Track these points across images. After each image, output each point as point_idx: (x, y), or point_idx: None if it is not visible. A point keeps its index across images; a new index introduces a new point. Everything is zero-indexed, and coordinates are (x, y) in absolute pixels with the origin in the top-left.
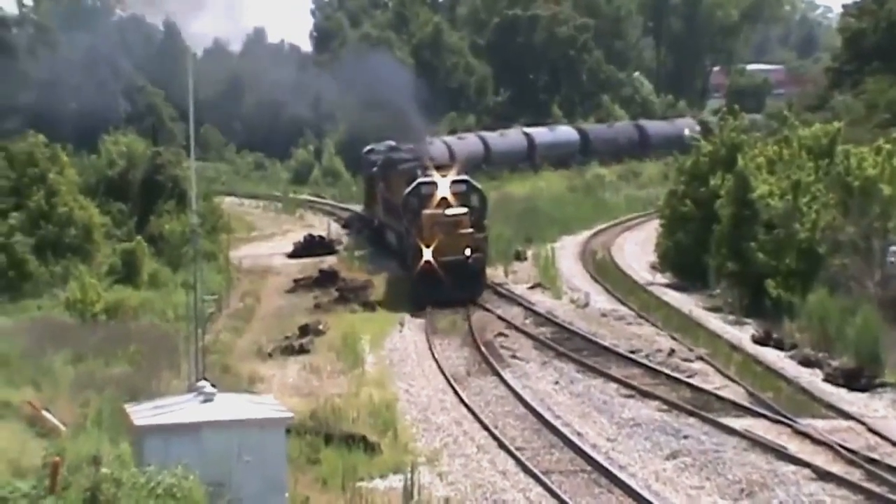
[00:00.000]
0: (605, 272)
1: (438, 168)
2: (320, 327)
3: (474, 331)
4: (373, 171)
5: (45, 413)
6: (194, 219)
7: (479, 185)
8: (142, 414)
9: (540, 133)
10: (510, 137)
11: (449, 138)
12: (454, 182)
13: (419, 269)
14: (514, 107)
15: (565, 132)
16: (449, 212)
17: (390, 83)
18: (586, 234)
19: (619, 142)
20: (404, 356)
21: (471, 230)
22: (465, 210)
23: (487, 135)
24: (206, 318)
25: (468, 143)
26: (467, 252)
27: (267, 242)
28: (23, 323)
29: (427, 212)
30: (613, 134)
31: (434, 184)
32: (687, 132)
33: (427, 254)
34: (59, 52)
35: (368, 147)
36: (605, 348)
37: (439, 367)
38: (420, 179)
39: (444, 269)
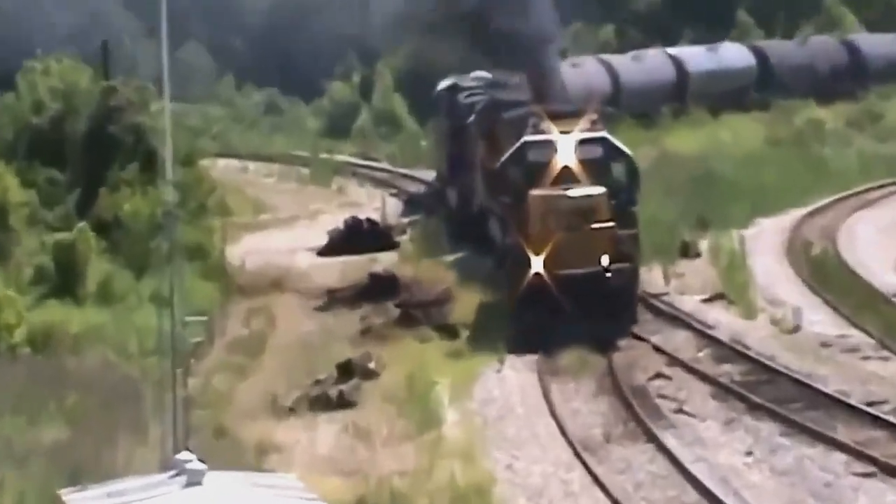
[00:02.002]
0: (827, 276)
1: (556, 117)
2: (371, 365)
3: (616, 370)
4: (466, 121)
5: None
6: (170, 194)
7: (623, 147)
8: None
9: (694, 56)
10: (649, 63)
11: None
12: (583, 141)
13: (524, 286)
14: (676, 14)
15: (734, 54)
16: (574, 192)
17: None
18: (796, 213)
19: (815, 68)
20: (505, 411)
21: (611, 224)
22: (600, 190)
23: (615, 60)
24: (189, 351)
25: (586, 72)
26: (605, 260)
27: (285, 231)
28: None
29: (537, 192)
30: (806, 56)
31: (550, 144)
32: None
33: (536, 263)
34: None
35: (448, 82)
36: (828, 397)
37: (561, 427)
38: (526, 137)
39: (566, 287)
